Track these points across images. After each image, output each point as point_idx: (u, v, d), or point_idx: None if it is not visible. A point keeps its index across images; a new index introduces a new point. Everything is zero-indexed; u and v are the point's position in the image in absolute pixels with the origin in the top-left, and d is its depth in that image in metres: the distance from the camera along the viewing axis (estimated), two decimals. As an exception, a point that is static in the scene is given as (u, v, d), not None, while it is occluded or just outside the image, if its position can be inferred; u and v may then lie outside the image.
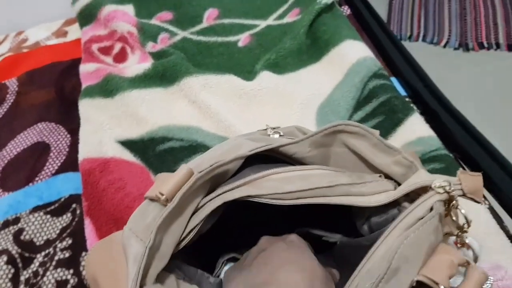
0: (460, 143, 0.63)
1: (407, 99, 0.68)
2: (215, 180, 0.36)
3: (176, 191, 0.33)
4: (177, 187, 0.33)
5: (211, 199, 0.35)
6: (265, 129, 0.46)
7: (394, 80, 0.72)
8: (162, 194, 0.33)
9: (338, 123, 0.39)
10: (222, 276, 0.40)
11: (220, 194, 0.35)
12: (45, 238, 0.62)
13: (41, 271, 0.59)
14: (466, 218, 0.36)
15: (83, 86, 0.74)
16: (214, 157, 0.36)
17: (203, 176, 0.34)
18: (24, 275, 0.59)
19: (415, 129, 0.62)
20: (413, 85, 0.71)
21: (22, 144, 0.74)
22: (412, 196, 0.37)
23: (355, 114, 0.66)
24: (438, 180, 0.34)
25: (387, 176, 0.39)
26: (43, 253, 0.60)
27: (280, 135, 0.44)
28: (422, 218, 0.33)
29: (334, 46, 0.73)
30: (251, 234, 0.43)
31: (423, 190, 0.35)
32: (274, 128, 0.45)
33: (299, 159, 0.40)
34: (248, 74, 0.74)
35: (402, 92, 0.71)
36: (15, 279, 0.58)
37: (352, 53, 0.71)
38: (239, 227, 0.45)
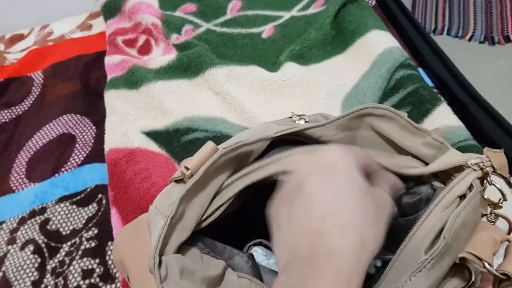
0: (488, 133, 0.62)
1: (434, 90, 0.67)
2: (240, 160, 0.36)
3: (201, 165, 0.33)
4: (202, 162, 0.34)
5: (238, 178, 0.35)
6: (290, 117, 0.45)
7: (421, 71, 0.71)
8: (188, 169, 0.33)
9: (365, 106, 0.38)
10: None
11: (250, 173, 0.35)
12: (71, 228, 0.62)
13: (67, 260, 0.59)
14: (502, 192, 0.35)
15: (109, 78, 0.74)
16: (241, 138, 0.36)
17: (228, 153, 0.34)
18: (51, 264, 0.59)
19: (444, 119, 0.61)
20: (440, 76, 0.70)
21: (48, 135, 0.74)
22: (441, 176, 0.36)
23: (381, 105, 0.65)
24: (472, 158, 0.34)
25: (416, 158, 0.38)
26: (69, 243, 0.61)
27: (306, 121, 0.43)
28: (461, 196, 0.32)
29: (360, 37, 0.72)
30: None
31: (455, 169, 0.35)
32: (299, 115, 0.45)
33: (324, 142, 0.40)
34: (272, 65, 0.73)
35: (430, 83, 0.70)
36: (41, 268, 0.59)
37: (378, 43, 0.70)
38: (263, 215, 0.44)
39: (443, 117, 0.61)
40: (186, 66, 0.72)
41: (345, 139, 0.40)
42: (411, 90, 0.64)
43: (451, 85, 0.68)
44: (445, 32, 1.48)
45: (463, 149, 0.57)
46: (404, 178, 0.37)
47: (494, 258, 0.31)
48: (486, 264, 0.30)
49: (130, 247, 0.39)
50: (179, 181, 0.35)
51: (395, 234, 0.36)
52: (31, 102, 0.81)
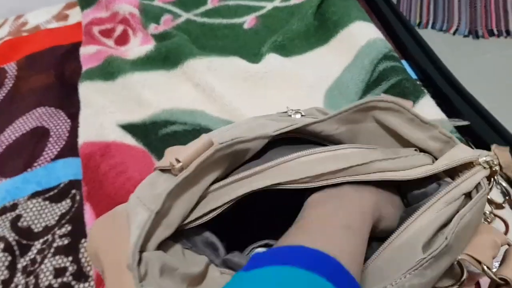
0: (472, 126, 0.61)
1: (418, 82, 0.66)
2: (234, 157, 0.34)
3: (193, 159, 0.31)
4: (195, 155, 0.31)
5: (236, 180, 0.33)
6: (285, 111, 0.43)
7: (404, 63, 0.70)
8: (178, 161, 0.31)
9: (370, 100, 0.36)
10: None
11: (247, 178, 0.33)
12: (43, 224, 0.60)
13: (39, 258, 0.57)
14: (509, 192, 0.34)
15: (84, 69, 0.71)
16: (237, 133, 0.34)
17: (223, 149, 0.32)
18: (22, 262, 0.57)
19: (427, 112, 0.60)
20: (424, 68, 0.69)
21: (21, 129, 0.72)
22: (450, 171, 0.35)
23: (364, 97, 0.63)
24: (483, 155, 0.33)
25: (422, 151, 0.37)
26: (41, 240, 0.59)
27: (302, 115, 0.42)
28: (467, 193, 0.32)
29: (343, 28, 0.71)
30: (272, 219, 0.41)
31: (464, 165, 0.33)
32: (294, 110, 0.43)
33: (326, 137, 0.38)
34: (253, 56, 0.71)
35: (413, 75, 0.68)
36: (12, 267, 0.57)
37: (362, 35, 0.69)
38: (258, 213, 0.42)
39: (427, 109, 0.60)
40: (165, 57, 0.70)
41: (347, 133, 0.38)
42: (394, 82, 0.63)
43: (434, 78, 0.67)
44: (429, 25, 1.47)
45: (447, 142, 0.56)
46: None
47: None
48: (485, 268, 0.29)
49: (105, 239, 0.36)
50: (165, 171, 0.33)
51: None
52: (4, 94, 0.78)
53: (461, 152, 0.34)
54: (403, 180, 0.34)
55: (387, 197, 0.35)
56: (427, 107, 0.60)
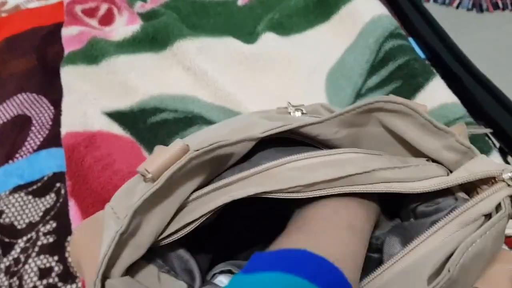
0: (485, 109, 0.57)
1: (426, 62, 0.62)
2: (216, 163, 0.30)
3: (165, 169, 0.27)
4: (166, 165, 0.27)
5: (215, 189, 0.29)
6: (285, 107, 0.39)
7: (411, 41, 0.65)
8: (148, 172, 0.27)
9: (376, 100, 0.31)
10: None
11: (227, 186, 0.29)
12: (26, 221, 0.56)
13: (22, 258, 0.54)
14: None
15: (66, 52, 0.67)
16: (219, 136, 0.30)
17: (200, 156, 0.28)
18: (4, 262, 0.54)
19: (437, 95, 0.56)
20: (432, 46, 0.65)
21: (1, 117, 0.67)
22: (467, 187, 0.30)
23: (369, 79, 0.60)
24: (508, 171, 0.28)
25: (434, 162, 0.33)
26: (24, 238, 0.55)
27: (303, 113, 0.37)
28: (486, 215, 0.27)
29: (345, 3, 0.67)
30: (252, 229, 0.37)
31: (484, 180, 0.29)
32: (296, 106, 0.38)
33: (323, 141, 0.34)
34: (249, 36, 0.67)
35: (421, 54, 0.64)
36: (-6, 267, 0.53)
37: (366, 11, 0.65)
38: (242, 218, 0.38)
39: (437, 92, 0.57)
40: (152, 38, 0.65)
41: (348, 137, 0.34)
42: (402, 62, 0.59)
43: (444, 56, 0.62)
44: (431, -1, 1.42)
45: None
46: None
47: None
48: None
49: (86, 247, 0.33)
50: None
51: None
52: (-17, 80, 0.73)
53: (482, 165, 0.30)
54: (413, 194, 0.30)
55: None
56: (438, 90, 0.57)
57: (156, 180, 0.27)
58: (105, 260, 0.25)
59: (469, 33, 1.31)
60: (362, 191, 0.29)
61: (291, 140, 0.34)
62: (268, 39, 0.64)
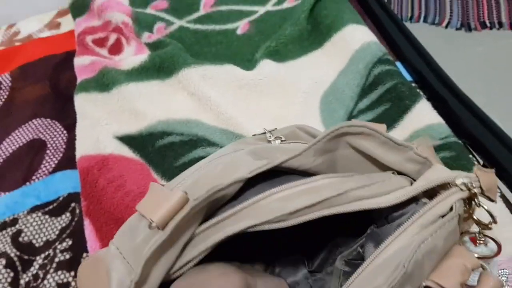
0: (469, 129, 0.61)
1: (413, 85, 0.66)
2: (211, 204, 0.34)
3: (169, 218, 0.30)
4: (170, 215, 0.30)
5: (210, 226, 0.32)
6: (263, 133, 0.43)
7: (399, 65, 0.70)
8: (153, 221, 0.30)
9: (340, 126, 0.35)
10: None
11: (220, 222, 0.32)
12: (44, 239, 0.60)
13: (41, 274, 0.57)
14: (491, 215, 0.34)
15: (78, 80, 0.71)
16: (210, 180, 0.33)
17: (199, 204, 0.31)
18: (24, 278, 0.57)
19: (423, 116, 0.60)
20: (419, 70, 0.69)
21: (18, 141, 0.71)
22: (430, 192, 0.34)
23: (360, 102, 0.64)
24: (461, 177, 0.33)
25: (400, 173, 0.37)
26: (42, 255, 0.59)
27: (282, 141, 0.41)
28: (443, 216, 0.31)
29: (337, 31, 0.70)
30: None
31: (442, 186, 0.33)
32: (271, 132, 0.42)
33: (305, 170, 0.37)
34: (248, 62, 0.71)
35: (408, 77, 0.69)
36: (14, 283, 0.57)
37: (356, 38, 0.69)
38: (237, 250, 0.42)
39: (423, 113, 0.60)
40: (159, 67, 0.69)
41: (325, 163, 0.37)
42: (390, 86, 0.63)
43: (430, 79, 0.67)
44: (421, 19, 1.48)
45: (444, 146, 0.57)
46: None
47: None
48: None
49: (89, 285, 0.36)
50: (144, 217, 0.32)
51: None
52: (-1, 106, 0.78)
53: (438, 173, 0.34)
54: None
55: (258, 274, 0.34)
56: (424, 111, 0.60)
57: (161, 228, 0.30)
58: None
59: (457, 52, 1.37)
60: (339, 212, 0.33)
61: (274, 171, 0.37)
62: (266, 66, 0.68)
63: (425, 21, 1.47)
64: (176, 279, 0.32)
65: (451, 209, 0.31)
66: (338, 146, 0.37)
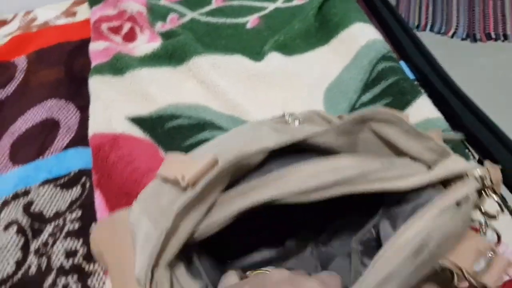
0: (466, 124, 0.63)
1: (415, 83, 0.69)
2: (236, 171, 0.36)
3: (199, 178, 0.33)
4: (201, 175, 0.33)
5: (237, 195, 0.34)
6: (283, 115, 0.44)
7: (402, 64, 0.72)
8: (184, 180, 0.33)
9: (368, 112, 0.37)
10: None
11: (248, 190, 0.34)
12: (54, 210, 0.63)
13: (50, 241, 0.60)
14: (500, 205, 0.37)
15: (93, 64, 0.74)
16: (237, 147, 0.36)
17: (228, 167, 0.34)
18: (34, 245, 0.60)
19: (423, 110, 0.62)
20: (421, 69, 0.71)
21: (32, 120, 0.74)
22: (443, 181, 0.36)
23: (363, 96, 0.66)
24: (477, 169, 0.35)
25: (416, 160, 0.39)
26: (52, 224, 0.61)
27: (299, 121, 0.43)
28: (458, 203, 0.33)
29: (344, 29, 0.73)
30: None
31: (458, 176, 0.35)
32: (293, 116, 0.44)
33: (327, 148, 0.39)
34: (256, 55, 0.74)
35: (410, 75, 0.71)
36: (25, 248, 0.60)
37: (362, 36, 0.71)
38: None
39: (423, 108, 0.62)
40: (171, 54, 0.72)
41: (346, 143, 0.39)
42: (392, 81, 0.65)
43: (431, 78, 0.69)
44: (428, 28, 1.51)
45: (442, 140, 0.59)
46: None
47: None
48: (466, 274, 0.31)
49: (107, 242, 0.38)
50: (168, 180, 0.35)
51: None
52: (14, 87, 0.81)
53: (456, 163, 0.36)
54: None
55: None
56: (424, 106, 0.63)
57: (191, 187, 0.32)
58: (154, 253, 0.31)
59: (462, 61, 1.39)
60: (360, 191, 0.35)
61: (295, 148, 0.39)
62: (273, 58, 0.71)
63: (431, 30, 1.49)
64: (199, 242, 0.34)
65: (467, 197, 0.33)
66: (361, 130, 0.38)
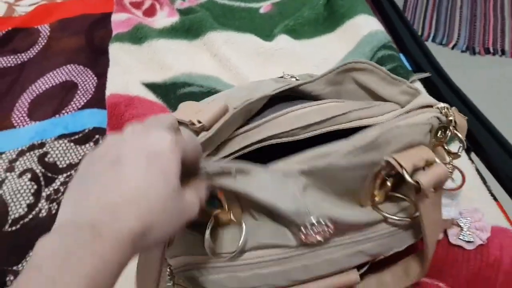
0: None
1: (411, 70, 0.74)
2: (243, 116, 0.41)
3: (214, 122, 0.38)
4: (215, 119, 0.38)
5: (238, 134, 0.40)
6: (282, 76, 0.52)
7: (401, 56, 0.77)
8: (200, 122, 0.38)
9: (348, 61, 0.44)
10: None
11: (247, 131, 0.40)
12: (67, 162, 0.67)
13: (62, 189, 0.64)
14: (462, 140, 0.42)
15: (114, 32, 0.79)
16: (244, 96, 0.41)
17: (237, 112, 0.39)
18: (46, 191, 0.64)
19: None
20: (418, 61, 0.76)
21: (51, 81, 0.79)
22: None
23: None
24: (442, 104, 0.41)
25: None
26: (64, 175, 0.66)
27: (296, 79, 0.49)
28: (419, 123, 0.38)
29: (349, 19, 0.78)
30: None
31: (425, 107, 0.41)
32: (290, 75, 0.51)
33: (315, 96, 0.46)
34: (266, 37, 0.79)
35: (408, 67, 0.76)
36: (37, 194, 0.64)
37: (365, 26, 0.76)
38: None
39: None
40: (188, 29, 0.77)
41: (332, 92, 0.46)
42: (390, 68, 0.70)
43: (425, 69, 0.74)
44: (430, 38, 1.57)
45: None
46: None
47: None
48: (405, 172, 0.35)
49: None
50: (182, 123, 0.39)
51: None
52: (36, 51, 0.86)
53: (424, 98, 0.42)
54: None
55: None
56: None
57: (207, 129, 0.38)
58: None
59: (461, 72, 1.45)
60: (343, 128, 0.40)
61: (291, 97, 0.45)
62: (282, 40, 0.76)
63: (433, 40, 1.55)
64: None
65: (428, 120, 0.39)
66: (344, 80, 0.45)
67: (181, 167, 0.29)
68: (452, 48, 1.54)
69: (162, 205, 0.27)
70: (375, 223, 0.39)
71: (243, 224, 0.38)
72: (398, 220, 0.39)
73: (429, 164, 0.37)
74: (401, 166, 0.35)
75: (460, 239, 0.49)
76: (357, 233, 0.39)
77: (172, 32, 0.77)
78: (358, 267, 0.41)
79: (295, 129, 0.39)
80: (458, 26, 1.60)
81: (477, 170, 0.60)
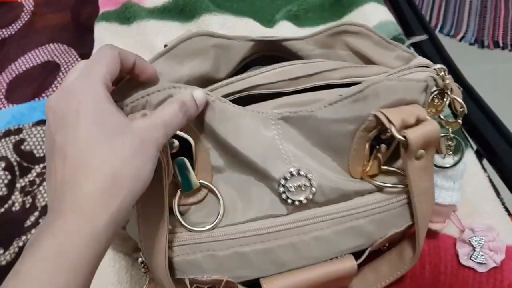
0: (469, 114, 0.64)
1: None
2: (219, 52, 0.40)
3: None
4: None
5: (222, 86, 0.37)
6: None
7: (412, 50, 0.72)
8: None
9: (341, 23, 0.41)
10: None
11: (235, 82, 0.37)
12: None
13: (37, 180, 0.59)
14: (461, 103, 0.40)
15: (101, 11, 0.73)
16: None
17: (203, 36, 0.39)
18: (21, 182, 0.59)
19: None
20: (426, 51, 0.71)
21: (32, 61, 0.73)
22: None
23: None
24: (438, 66, 0.38)
25: None
26: (41, 165, 0.61)
27: None
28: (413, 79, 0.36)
29: (358, 7, 0.72)
30: None
31: (422, 68, 0.38)
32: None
33: (303, 56, 0.43)
34: (267, 22, 0.73)
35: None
36: (11, 185, 0.59)
37: (374, 16, 0.70)
38: None
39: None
40: (181, 10, 0.71)
41: (322, 56, 0.43)
42: (399, 62, 0.65)
43: (432, 57, 0.69)
44: (438, 29, 1.50)
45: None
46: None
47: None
48: (392, 127, 0.33)
49: None
50: None
51: None
52: (18, 27, 0.80)
53: (421, 59, 0.39)
54: None
55: None
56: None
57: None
58: None
59: (467, 66, 1.39)
60: (333, 83, 0.38)
61: (276, 58, 0.42)
62: (284, 27, 0.70)
63: (441, 31, 1.49)
64: None
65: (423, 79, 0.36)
66: (336, 44, 0.42)
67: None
68: (460, 40, 1.48)
69: (110, 151, 0.27)
70: (365, 193, 0.37)
71: (217, 192, 0.36)
72: (390, 187, 0.37)
73: (420, 121, 0.34)
74: (389, 120, 0.33)
75: (472, 260, 0.44)
76: (346, 204, 0.36)
77: (163, 12, 0.71)
78: (356, 257, 0.38)
79: (281, 80, 0.37)
80: (467, 17, 1.53)
81: (490, 179, 0.55)
